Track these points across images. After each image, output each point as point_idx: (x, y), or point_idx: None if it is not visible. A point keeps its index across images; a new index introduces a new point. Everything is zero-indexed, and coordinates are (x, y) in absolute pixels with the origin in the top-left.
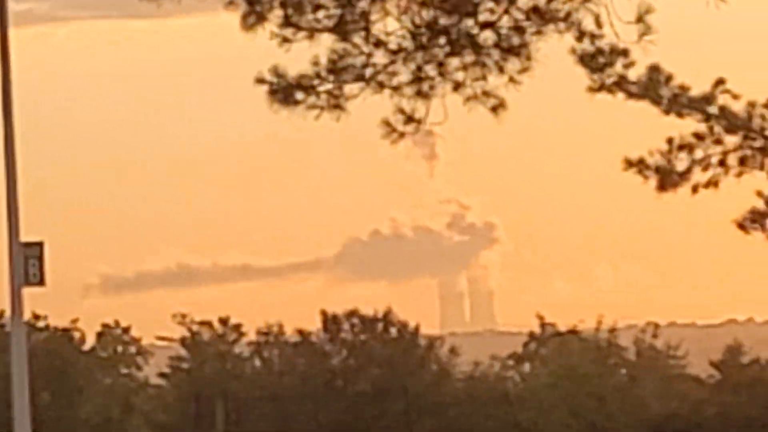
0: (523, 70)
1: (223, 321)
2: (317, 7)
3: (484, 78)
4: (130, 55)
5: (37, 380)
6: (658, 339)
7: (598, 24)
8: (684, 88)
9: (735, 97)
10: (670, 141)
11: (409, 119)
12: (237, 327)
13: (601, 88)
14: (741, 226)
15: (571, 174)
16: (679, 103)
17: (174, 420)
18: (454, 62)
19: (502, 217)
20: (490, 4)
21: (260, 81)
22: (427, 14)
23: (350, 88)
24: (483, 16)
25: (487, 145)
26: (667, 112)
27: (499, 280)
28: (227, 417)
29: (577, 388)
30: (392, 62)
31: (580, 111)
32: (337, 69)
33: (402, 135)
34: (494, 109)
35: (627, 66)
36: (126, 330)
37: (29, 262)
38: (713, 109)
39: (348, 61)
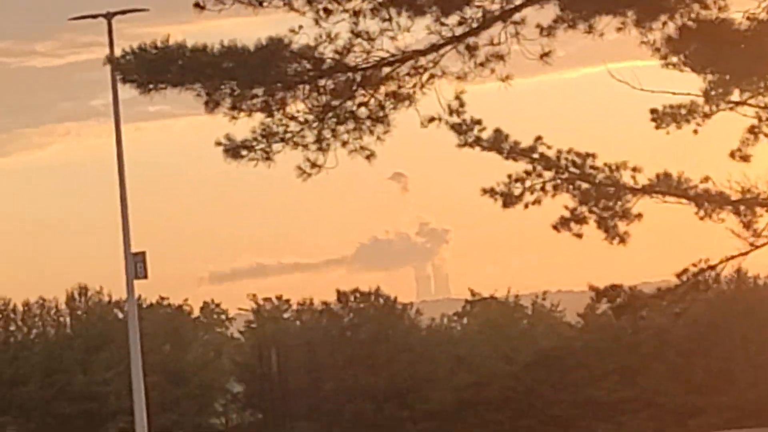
0: (386, 132)
1: (278, 297)
2: (253, 96)
3: (361, 138)
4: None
5: (161, 337)
6: (546, 300)
7: (461, 102)
8: (517, 143)
9: (549, 147)
10: (509, 176)
11: (313, 165)
12: (287, 301)
13: (465, 144)
14: (555, 228)
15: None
16: (514, 152)
17: (247, 360)
18: (341, 128)
19: (452, 226)
20: (362, 91)
21: (218, 144)
22: (322, 99)
23: (276, 147)
24: (359, 99)
25: (434, 183)
26: (507, 158)
27: (451, 267)
28: (279, 357)
29: (495, 333)
30: (302, 129)
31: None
32: (267, 134)
33: (309, 175)
34: (368, 158)
35: (480, 130)
36: (218, 305)
37: (137, 265)
38: (535, 155)
39: (274, 129)
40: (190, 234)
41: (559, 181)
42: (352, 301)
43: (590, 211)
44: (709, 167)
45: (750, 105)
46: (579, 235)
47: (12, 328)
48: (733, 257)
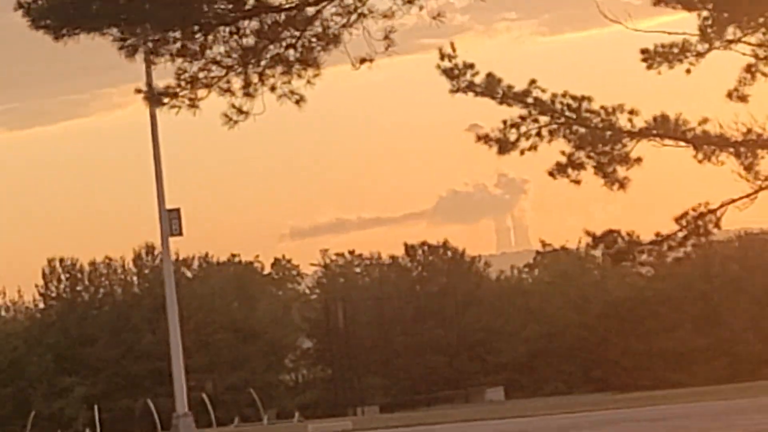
0: (316, 75)
1: (350, 252)
2: (172, 40)
3: (290, 82)
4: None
5: (230, 293)
6: None
7: (453, 48)
8: (510, 87)
9: (543, 90)
10: (504, 122)
11: (240, 112)
12: (358, 255)
13: (458, 90)
14: (551, 174)
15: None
16: (507, 97)
17: (314, 315)
18: (269, 72)
19: (531, 177)
20: (289, 33)
21: (138, 91)
22: (245, 42)
23: (200, 93)
24: (285, 41)
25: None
26: (501, 103)
27: (531, 218)
28: (346, 312)
29: (567, 283)
30: (226, 74)
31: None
32: (190, 81)
33: (236, 122)
34: (297, 103)
35: (473, 75)
36: (289, 261)
37: (172, 221)
38: (530, 100)
39: (197, 75)
40: (271, 190)
41: (555, 126)
42: (421, 254)
43: (588, 156)
44: (707, 109)
45: (746, 43)
46: (577, 182)
47: (79, 288)
48: (734, 200)
